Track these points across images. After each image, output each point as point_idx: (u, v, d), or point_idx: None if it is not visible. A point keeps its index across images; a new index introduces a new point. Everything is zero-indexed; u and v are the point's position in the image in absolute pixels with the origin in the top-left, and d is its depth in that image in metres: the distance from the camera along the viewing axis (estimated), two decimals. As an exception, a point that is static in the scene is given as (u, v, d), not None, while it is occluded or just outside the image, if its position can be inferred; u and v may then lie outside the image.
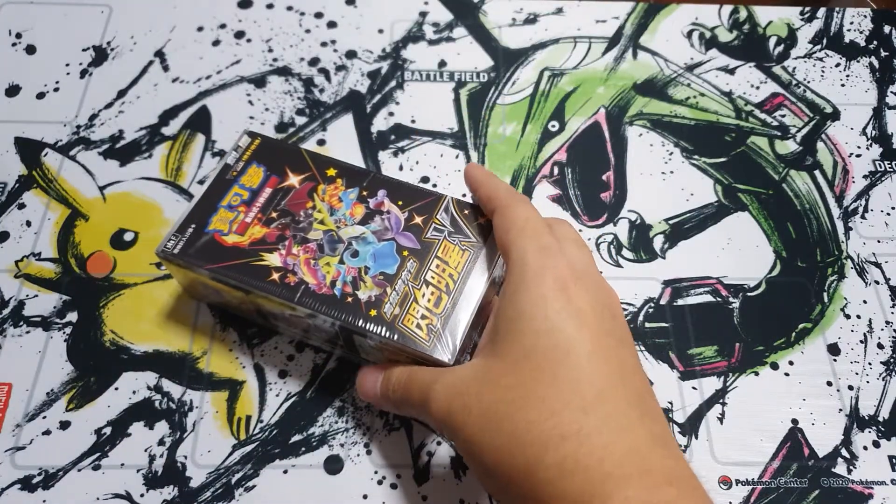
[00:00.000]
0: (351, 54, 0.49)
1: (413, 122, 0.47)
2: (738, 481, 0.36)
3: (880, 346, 0.40)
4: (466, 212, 0.35)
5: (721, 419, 0.38)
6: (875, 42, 0.52)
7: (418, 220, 0.35)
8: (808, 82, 0.50)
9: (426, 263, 0.33)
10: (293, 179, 0.36)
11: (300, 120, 0.46)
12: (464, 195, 0.44)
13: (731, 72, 0.50)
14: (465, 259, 0.34)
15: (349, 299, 0.33)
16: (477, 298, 0.33)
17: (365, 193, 0.36)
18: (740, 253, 0.43)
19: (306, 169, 0.37)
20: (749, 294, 0.42)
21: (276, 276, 0.33)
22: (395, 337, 0.32)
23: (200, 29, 0.50)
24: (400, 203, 0.35)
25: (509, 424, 0.26)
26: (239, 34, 0.50)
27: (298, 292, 0.33)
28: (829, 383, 0.39)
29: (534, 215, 0.31)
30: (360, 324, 0.32)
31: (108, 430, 0.36)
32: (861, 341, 0.40)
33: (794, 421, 0.38)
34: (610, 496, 0.23)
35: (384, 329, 0.32)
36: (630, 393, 0.26)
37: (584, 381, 0.26)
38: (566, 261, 0.29)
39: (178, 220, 0.35)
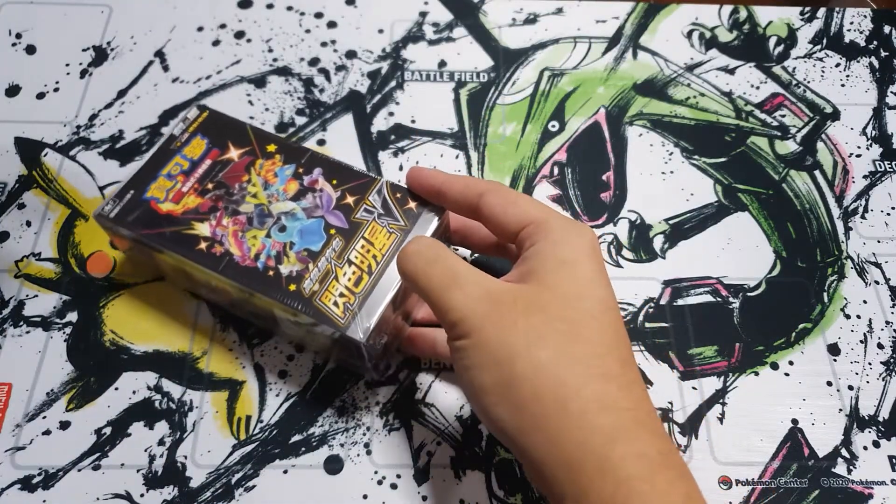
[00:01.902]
0: (351, 54, 0.49)
1: (413, 122, 0.47)
2: (738, 481, 0.36)
3: (880, 346, 0.40)
4: (399, 195, 0.35)
5: (721, 419, 0.38)
6: (875, 42, 0.52)
7: (350, 199, 0.35)
8: (808, 82, 0.50)
9: (352, 243, 0.34)
10: (233, 153, 0.37)
11: (300, 120, 0.46)
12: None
13: (731, 72, 0.50)
14: (391, 242, 0.34)
15: (271, 273, 0.33)
16: (398, 281, 0.33)
17: (301, 171, 0.36)
18: (740, 253, 0.43)
19: (248, 143, 0.37)
20: (749, 294, 0.42)
21: (203, 245, 0.34)
22: (310, 312, 0.32)
23: (200, 29, 0.50)
24: (334, 182, 0.35)
25: (553, 349, 0.26)
26: (239, 34, 0.50)
27: (222, 263, 0.33)
28: (829, 383, 0.39)
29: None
30: (277, 297, 0.32)
31: (108, 430, 0.36)
32: (861, 341, 0.40)
33: (794, 421, 0.38)
34: (638, 438, 0.25)
35: (300, 304, 0.32)
36: (635, 366, 0.28)
37: (622, 342, 0.27)
38: (592, 230, 0.30)
39: (118, 186, 0.36)
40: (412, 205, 0.35)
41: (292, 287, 0.33)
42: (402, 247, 0.31)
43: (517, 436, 0.26)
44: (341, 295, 0.32)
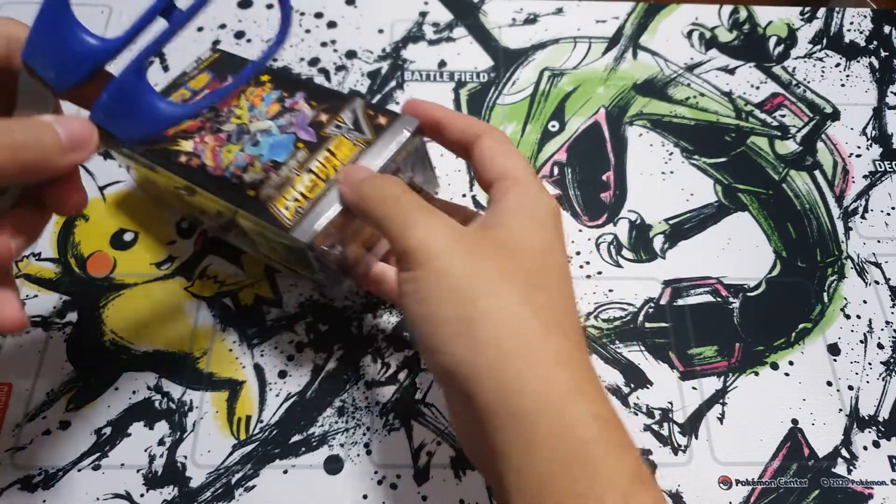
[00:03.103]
0: (351, 54, 0.49)
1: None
2: (738, 481, 0.36)
3: (880, 346, 0.40)
4: (372, 112, 0.35)
5: (721, 419, 0.38)
6: (875, 42, 0.52)
7: (324, 117, 0.35)
8: (808, 82, 0.50)
9: (315, 154, 0.34)
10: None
11: (300, 120, 0.46)
12: (464, 195, 0.44)
13: (731, 72, 0.50)
14: (354, 153, 0.33)
15: (235, 181, 0.34)
16: None
17: (285, 95, 0.37)
18: (740, 253, 0.43)
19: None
20: (749, 294, 0.42)
21: (183, 158, 0.35)
22: (261, 214, 0.32)
23: (200, 29, 0.50)
24: (313, 103, 0.36)
25: (521, 293, 0.25)
26: (239, 34, 0.50)
27: (195, 172, 0.35)
28: (829, 383, 0.39)
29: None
30: (234, 201, 0.33)
31: (107, 430, 0.36)
32: (861, 341, 0.40)
33: (794, 421, 0.38)
34: (593, 398, 0.24)
35: (251, 207, 0.32)
36: (594, 375, 0.27)
37: (575, 310, 0.27)
38: (556, 202, 0.30)
39: None
40: (382, 119, 0.34)
41: (251, 192, 0.33)
42: (352, 172, 0.31)
43: (468, 378, 0.24)
44: (295, 200, 0.32)
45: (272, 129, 0.35)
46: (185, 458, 0.35)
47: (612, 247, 0.43)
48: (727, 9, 0.53)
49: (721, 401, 0.38)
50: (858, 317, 0.41)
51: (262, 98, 0.37)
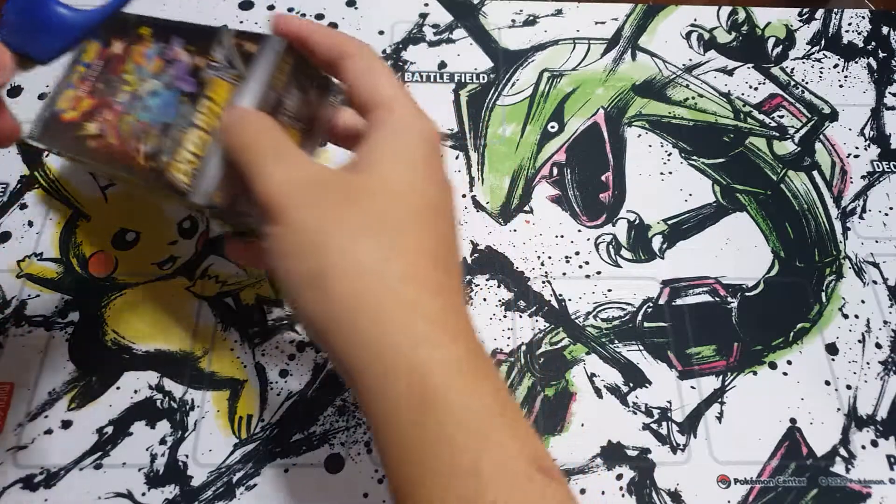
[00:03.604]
0: (351, 55, 0.49)
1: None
2: (736, 480, 0.36)
3: (878, 346, 0.40)
4: (241, 41, 0.31)
5: (719, 418, 0.38)
6: (873, 43, 0.53)
7: (199, 61, 0.32)
8: (807, 83, 0.50)
9: (197, 106, 0.31)
10: (117, 47, 0.36)
11: (301, 121, 0.46)
12: (464, 195, 0.44)
13: (730, 73, 0.50)
14: (231, 94, 0.31)
15: (135, 154, 0.32)
16: None
17: (165, 45, 0.34)
18: (739, 253, 0.43)
19: (126, 32, 0.36)
20: (747, 294, 0.42)
21: (93, 143, 0.34)
22: (161, 184, 0.30)
23: (201, 30, 0.50)
24: (190, 48, 0.33)
25: (372, 245, 0.24)
26: (240, 35, 0.50)
27: (104, 154, 0.33)
28: (828, 383, 0.39)
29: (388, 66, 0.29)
30: (140, 177, 0.31)
31: (109, 430, 0.36)
32: (859, 341, 0.40)
33: (793, 420, 0.38)
34: (444, 343, 0.24)
35: (153, 179, 0.31)
36: (457, 274, 0.26)
37: (445, 247, 0.26)
38: (435, 125, 0.28)
39: (41, 106, 0.37)
40: (250, 47, 0.31)
41: (152, 164, 0.31)
42: (224, 117, 0.29)
43: (327, 335, 0.24)
44: (188, 161, 0.30)
45: (158, 89, 0.33)
46: (187, 457, 0.35)
47: (611, 247, 0.43)
48: (726, 10, 0.53)
49: (720, 400, 0.38)
50: (856, 316, 0.41)
51: (145, 55, 0.35)
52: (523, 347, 0.39)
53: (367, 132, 0.27)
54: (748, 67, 0.51)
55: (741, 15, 0.53)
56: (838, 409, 0.38)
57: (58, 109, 0.36)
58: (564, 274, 0.42)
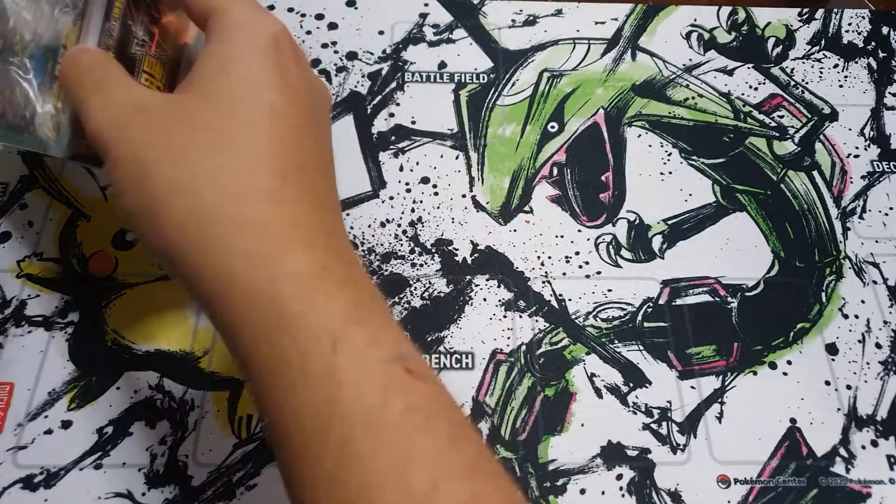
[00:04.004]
0: (351, 55, 0.50)
1: (413, 123, 0.47)
2: (736, 480, 0.36)
3: (878, 346, 0.40)
4: None
5: (719, 418, 0.38)
6: (873, 43, 0.53)
7: (57, 13, 0.30)
8: (807, 83, 0.50)
9: (56, 56, 0.30)
10: None
11: (301, 121, 0.46)
12: (464, 195, 0.44)
13: (730, 73, 0.50)
14: (75, 33, 0.29)
15: (21, 122, 0.30)
16: None
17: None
18: (738, 253, 0.43)
19: None
20: (747, 294, 0.42)
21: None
22: (35, 146, 0.29)
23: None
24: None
25: (190, 165, 0.23)
26: (240, 35, 0.50)
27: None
28: (828, 383, 0.39)
29: None
30: (25, 143, 0.30)
31: (109, 430, 0.36)
32: (859, 341, 0.40)
33: (793, 420, 0.38)
34: (290, 257, 0.22)
35: (31, 143, 0.30)
36: (310, 186, 0.24)
37: (288, 153, 0.24)
38: (282, 24, 0.25)
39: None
40: None
41: (31, 130, 0.30)
42: (64, 60, 0.28)
43: (170, 267, 0.23)
44: (51, 116, 0.29)
45: (32, 50, 0.31)
46: (187, 457, 0.35)
47: (610, 247, 0.43)
48: (726, 10, 0.53)
49: (720, 400, 0.38)
50: (856, 316, 0.41)
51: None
52: (523, 347, 0.39)
53: (203, 48, 0.25)
54: (748, 67, 0.51)
55: (741, 15, 0.53)
56: (838, 409, 0.38)
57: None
58: (564, 274, 0.42)
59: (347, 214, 0.43)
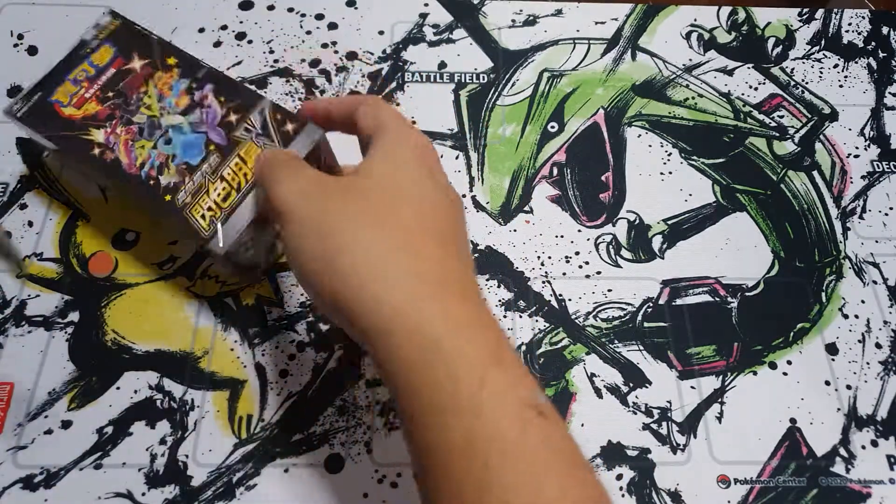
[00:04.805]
0: (351, 55, 0.50)
1: (413, 122, 0.47)
2: (736, 480, 0.36)
3: (878, 346, 0.40)
4: (279, 116, 0.36)
5: (720, 418, 0.38)
6: (873, 43, 0.53)
7: (233, 117, 0.37)
8: (807, 83, 0.50)
9: (227, 160, 0.36)
10: (136, 63, 0.38)
11: (301, 121, 0.46)
12: (464, 195, 0.44)
13: (730, 73, 0.50)
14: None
15: (151, 182, 0.35)
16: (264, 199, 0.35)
17: (194, 86, 0.38)
18: (738, 253, 0.43)
19: (152, 55, 0.39)
20: (747, 294, 0.42)
21: (97, 150, 0.36)
22: (179, 221, 0.34)
23: (202, 30, 0.50)
24: (222, 99, 0.37)
25: (369, 225, 0.28)
26: (240, 35, 0.50)
27: (110, 168, 0.36)
28: (828, 383, 0.39)
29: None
30: (152, 206, 0.35)
31: (109, 430, 0.36)
32: (859, 341, 0.40)
33: (793, 420, 0.38)
34: (444, 300, 0.27)
35: (172, 213, 0.35)
36: (456, 249, 0.29)
37: (442, 229, 0.29)
38: (427, 138, 0.32)
39: (29, 86, 0.38)
40: (290, 127, 0.36)
41: (168, 197, 0.35)
42: (260, 154, 0.33)
43: (337, 304, 0.27)
44: (209, 209, 0.35)
45: (184, 126, 0.37)
46: (187, 457, 0.35)
47: (611, 247, 0.43)
48: (726, 10, 0.53)
49: (720, 400, 0.38)
50: (856, 316, 0.41)
51: (171, 87, 0.37)
52: (523, 347, 0.39)
53: (366, 152, 0.31)
54: (748, 67, 0.51)
55: (741, 15, 0.53)
56: (838, 409, 0.38)
57: (54, 99, 0.38)
58: (564, 274, 0.42)
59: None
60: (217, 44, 0.49)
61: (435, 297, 0.27)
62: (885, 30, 0.53)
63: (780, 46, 0.52)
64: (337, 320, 0.29)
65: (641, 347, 0.40)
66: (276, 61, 0.49)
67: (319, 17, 0.51)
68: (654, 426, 0.38)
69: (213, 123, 0.37)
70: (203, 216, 0.34)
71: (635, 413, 0.38)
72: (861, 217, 0.45)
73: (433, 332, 0.26)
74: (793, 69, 0.51)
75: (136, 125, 0.37)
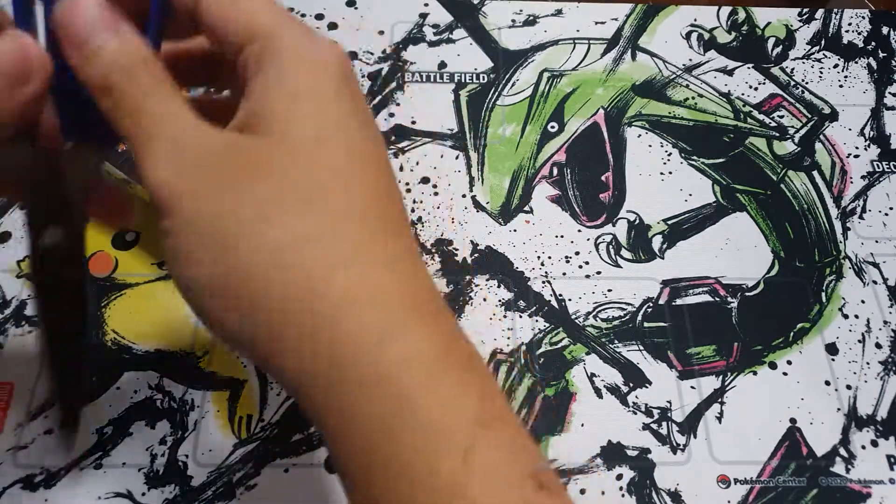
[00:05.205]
0: (351, 55, 0.50)
1: (413, 122, 0.47)
2: (736, 480, 0.36)
3: (878, 346, 0.40)
4: None
5: (719, 418, 0.38)
6: (873, 43, 0.53)
7: None
8: (807, 83, 0.50)
9: None
10: None
11: (301, 121, 0.46)
12: (464, 195, 0.44)
13: (730, 73, 0.50)
14: None
15: None
16: None
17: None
18: (738, 253, 0.43)
19: None
20: (747, 294, 0.42)
21: None
22: None
23: (201, 30, 0.50)
24: None
25: (288, 225, 0.19)
26: (240, 36, 0.50)
27: (122, 159, 0.36)
28: (828, 383, 0.39)
29: None
30: None
31: (109, 430, 0.36)
32: (859, 341, 0.40)
33: (793, 420, 0.38)
34: (413, 333, 0.19)
35: None
36: (409, 242, 0.21)
37: (382, 203, 0.20)
38: (340, 47, 0.21)
39: None
40: None
41: None
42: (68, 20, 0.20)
43: (256, 349, 0.19)
44: None
45: None
46: (187, 457, 0.35)
47: (610, 247, 0.43)
48: (726, 10, 0.53)
49: (719, 400, 0.38)
50: (856, 316, 0.41)
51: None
52: (523, 347, 0.39)
53: (248, 79, 0.20)
54: (748, 67, 0.51)
55: (741, 15, 0.53)
56: (838, 409, 0.38)
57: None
58: (564, 274, 0.42)
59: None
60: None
61: (402, 324, 0.19)
62: (885, 30, 0.53)
63: (780, 46, 0.52)
64: (249, 358, 0.21)
65: (641, 347, 0.40)
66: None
67: (319, 17, 0.51)
68: (654, 426, 0.38)
69: None
70: None
71: (635, 413, 0.38)
72: (861, 217, 0.45)
73: (403, 387, 0.18)
74: (793, 69, 0.51)
75: None
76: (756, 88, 0.50)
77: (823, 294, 0.42)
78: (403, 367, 0.18)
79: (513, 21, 0.52)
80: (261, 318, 0.19)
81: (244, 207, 0.19)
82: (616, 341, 0.40)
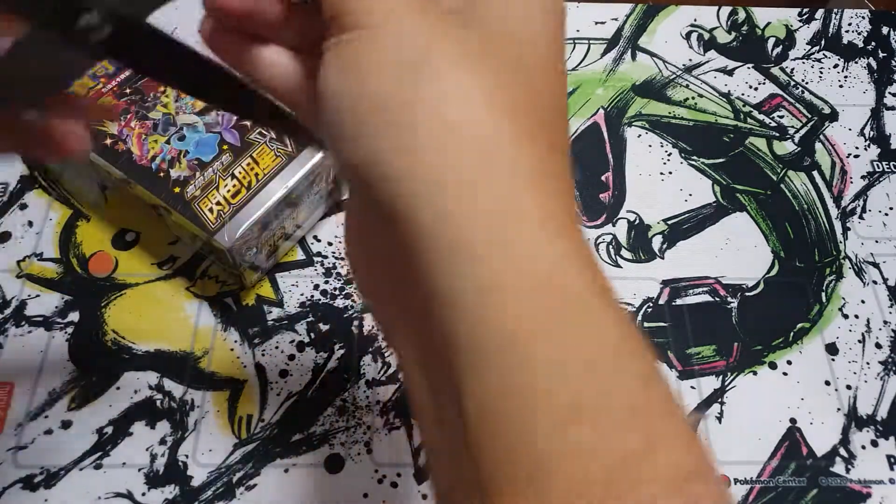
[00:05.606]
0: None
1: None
2: (736, 480, 0.36)
3: (878, 346, 0.40)
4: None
5: (720, 418, 0.38)
6: (873, 43, 0.53)
7: (248, 122, 0.38)
8: (807, 83, 0.50)
9: (239, 160, 0.37)
10: None
11: (301, 121, 0.46)
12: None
13: (730, 73, 0.50)
14: (276, 164, 0.37)
15: (161, 174, 0.36)
16: (273, 200, 0.36)
17: None
18: (738, 253, 0.43)
19: None
20: (747, 294, 0.42)
21: (108, 141, 0.37)
22: (187, 213, 0.35)
23: (201, 30, 0.50)
24: None
25: (493, 79, 0.17)
26: (240, 35, 0.50)
27: (121, 159, 0.37)
28: (828, 383, 0.39)
29: None
30: (161, 195, 0.36)
31: (109, 430, 0.36)
32: (859, 341, 0.40)
33: (793, 420, 0.38)
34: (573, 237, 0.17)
35: (179, 205, 0.36)
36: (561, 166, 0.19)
37: (564, 119, 0.19)
38: None
39: None
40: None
41: (177, 189, 0.36)
42: None
43: (392, 188, 0.16)
44: (218, 203, 0.36)
45: (199, 126, 0.37)
46: (187, 457, 0.35)
47: (610, 247, 0.43)
48: (726, 10, 0.53)
49: (719, 400, 0.38)
50: (856, 316, 0.41)
51: None
52: (523, 347, 0.39)
53: None
54: (748, 67, 0.51)
55: (741, 15, 0.53)
56: (838, 409, 0.38)
57: (70, 92, 0.38)
58: (564, 274, 0.42)
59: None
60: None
61: (559, 222, 0.16)
62: (885, 30, 0.53)
63: (780, 46, 0.52)
64: (362, 200, 0.18)
65: (641, 347, 0.40)
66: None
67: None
68: (654, 426, 0.38)
69: (228, 126, 0.38)
70: (211, 210, 0.35)
71: (635, 413, 0.38)
72: (861, 217, 0.45)
73: (563, 280, 0.16)
74: (793, 69, 0.51)
75: (150, 121, 0.38)
76: (756, 88, 0.50)
77: (823, 294, 0.42)
78: (557, 262, 0.16)
79: (513, 21, 0.52)
80: (415, 157, 0.16)
81: (450, 51, 0.17)
82: (616, 341, 0.40)
